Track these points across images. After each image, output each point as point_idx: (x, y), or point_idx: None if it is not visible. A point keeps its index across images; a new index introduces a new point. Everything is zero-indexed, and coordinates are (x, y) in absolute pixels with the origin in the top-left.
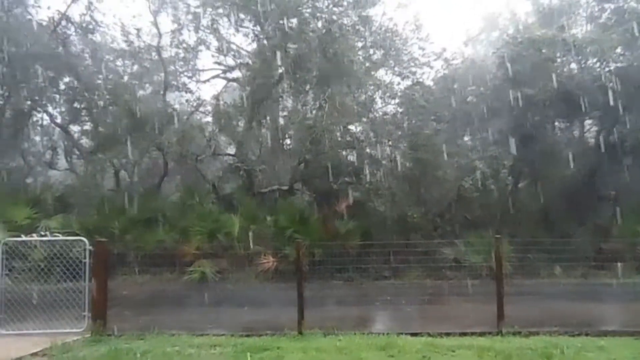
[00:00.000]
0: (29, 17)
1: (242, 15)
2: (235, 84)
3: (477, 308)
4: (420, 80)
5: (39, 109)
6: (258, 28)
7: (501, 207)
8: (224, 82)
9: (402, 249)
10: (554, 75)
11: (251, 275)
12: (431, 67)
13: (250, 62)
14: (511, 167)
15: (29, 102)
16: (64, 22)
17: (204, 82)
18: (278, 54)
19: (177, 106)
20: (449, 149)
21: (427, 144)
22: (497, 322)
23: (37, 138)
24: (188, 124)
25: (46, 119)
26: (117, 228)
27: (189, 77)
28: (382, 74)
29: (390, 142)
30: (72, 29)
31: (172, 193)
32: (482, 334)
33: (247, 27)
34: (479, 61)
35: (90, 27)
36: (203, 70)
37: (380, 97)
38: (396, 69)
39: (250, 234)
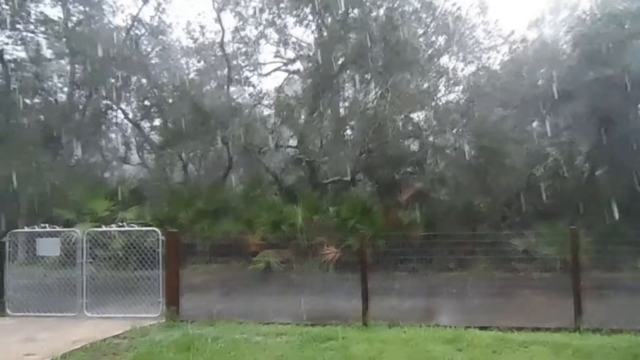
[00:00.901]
0: (107, 22)
1: (303, 7)
2: (296, 76)
3: (550, 302)
4: (486, 65)
5: (114, 107)
6: (319, 19)
7: (576, 196)
8: (285, 74)
9: (468, 240)
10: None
11: (314, 266)
12: (497, 51)
13: (310, 53)
14: (588, 153)
15: (105, 102)
16: (135, 24)
17: (266, 75)
18: (339, 44)
19: (240, 100)
20: (517, 135)
21: (493, 131)
22: (575, 318)
23: (112, 135)
24: (251, 117)
25: (120, 117)
26: (186, 219)
27: (251, 71)
28: (446, 61)
29: (454, 130)
30: (143, 30)
31: (237, 185)
32: (557, 330)
33: (308, 19)
34: (549, 42)
35: (160, 27)
36: (264, 64)
37: (444, 85)
38: (460, 54)
39: (313, 225)
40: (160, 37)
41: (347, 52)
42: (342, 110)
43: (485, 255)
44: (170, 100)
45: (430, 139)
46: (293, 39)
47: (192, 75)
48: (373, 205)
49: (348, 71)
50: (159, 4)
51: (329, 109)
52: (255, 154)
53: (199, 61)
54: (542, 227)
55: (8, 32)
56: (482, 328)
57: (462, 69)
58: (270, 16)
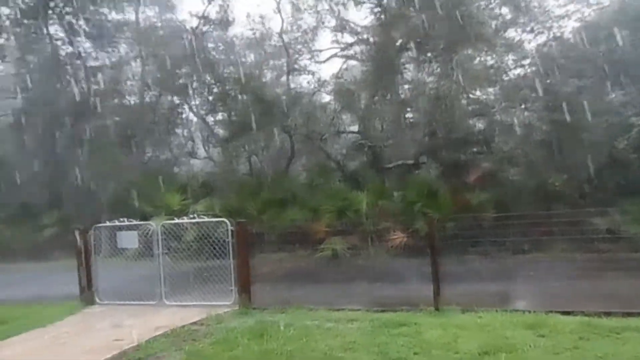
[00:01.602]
0: (175, 22)
1: None
2: (354, 61)
3: None
4: (558, 35)
5: (181, 104)
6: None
7: None
8: (343, 60)
9: (544, 220)
10: None
11: (381, 251)
12: (569, 18)
13: (369, 36)
14: None
15: (173, 99)
16: (201, 22)
17: (324, 62)
18: (399, 24)
19: (300, 88)
20: (595, 107)
21: (568, 104)
22: None
23: (180, 131)
24: (311, 105)
25: (187, 113)
26: (254, 209)
27: (309, 59)
28: (513, 34)
29: (523, 106)
30: (207, 26)
31: (300, 173)
32: None
33: (365, 1)
34: (631, 2)
35: (223, 23)
36: (321, 50)
37: (513, 59)
38: (529, 25)
39: (378, 210)
40: (223, 32)
41: (407, 32)
42: (403, 93)
43: (563, 236)
44: (233, 94)
45: (498, 116)
46: (351, 24)
47: (253, 67)
48: (439, 187)
49: (409, 52)
50: (224, 1)
51: (389, 91)
52: (317, 141)
53: (259, 53)
54: (628, 204)
55: (89, 39)
56: (565, 313)
57: (531, 41)
58: (328, 2)
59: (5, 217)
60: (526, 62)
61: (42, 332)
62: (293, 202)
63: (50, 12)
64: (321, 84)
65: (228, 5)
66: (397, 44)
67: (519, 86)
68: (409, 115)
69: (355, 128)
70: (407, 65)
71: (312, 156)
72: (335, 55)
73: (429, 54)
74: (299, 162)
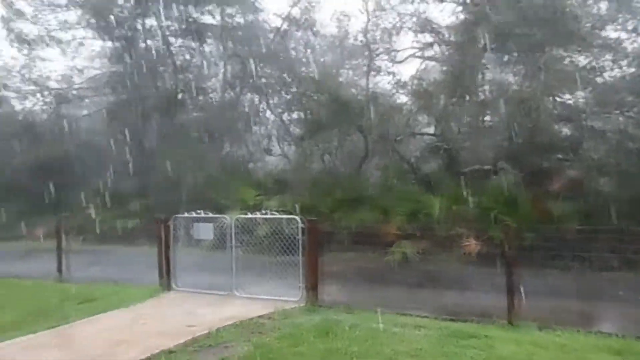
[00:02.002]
0: (259, 22)
1: None
2: (433, 62)
3: None
4: None
5: (260, 102)
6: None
7: None
8: (422, 60)
9: (637, 237)
10: None
11: (453, 258)
12: None
13: (449, 37)
14: None
15: (252, 97)
16: (282, 22)
17: (401, 61)
18: (482, 22)
19: (377, 88)
20: None
21: None
22: None
23: (257, 128)
24: (387, 105)
25: (265, 111)
26: (325, 207)
27: (388, 59)
28: (610, 32)
29: (619, 111)
30: (290, 26)
31: (373, 174)
32: None
33: (448, 1)
34: None
35: (304, 23)
36: (400, 50)
37: (610, 60)
38: (629, 23)
39: (451, 215)
40: (304, 32)
41: (491, 31)
42: (483, 94)
43: None
44: (310, 93)
45: (588, 121)
46: (432, 24)
47: (331, 67)
48: (518, 195)
49: (491, 52)
50: (309, 3)
51: (469, 93)
52: (392, 142)
53: (338, 52)
54: None
55: (178, 39)
56: None
57: (633, 41)
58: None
59: (98, 203)
60: (624, 62)
61: (124, 311)
62: (364, 202)
63: (144, 14)
64: (398, 84)
65: (313, 6)
66: (480, 43)
67: (615, 89)
68: (488, 117)
69: (431, 130)
70: (488, 66)
71: (385, 157)
72: (413, 55)
73: (514, 54)
74: (372, 162)
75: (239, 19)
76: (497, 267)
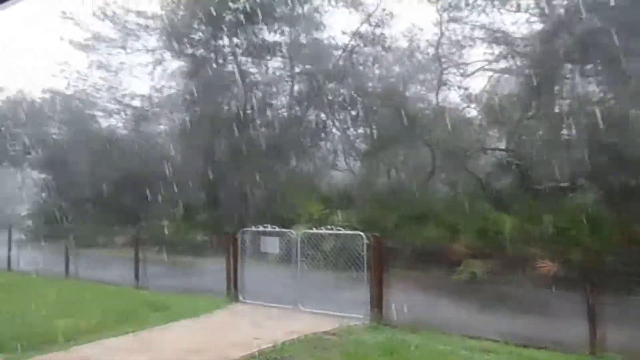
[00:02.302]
0: (326, 39)
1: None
2: (507, 75)
3: None
4: None
5: (326, 118)
6: (536, 10)
7: None
8: (493, 73)
9: None
10: None
11: (525, 280)
12: None
13: (524, 48)
14: None
15: (318, 113)
16: (350, 39)
17: (472, 74)
18: (562, 32)
19: (445, 102)
20: None
21: None
22: None
23: (323, 143)
24: (456, 120)
25: (331, 126)
26: (390, 223)
27: (458, 72)
28: None
29: None
30: (356, 41)
31: (440, 189)
32: None
33: (523, 12)
34: None
35: (375, 39)
36: (470, 63)
37: None
38: None
39: (524, 234)
40: (372, 47)
41: (571, 40)
42: (560, 107)
43: None
44: (375, 107)
45: None
46: (506, 35)
47: (397, 82)
48: (599, 214)
49: (570, 63)
50: (380, 20)
51: (545, 106)
52: (460, 157)
53: (404, 67)
54: None
55: (247, 58)
56: None
57: None
58: (482, 13)
59: (171, 215)
60: None
61: (194, 321)
62: (430, 218)
63: (216, 35)
64: (468, 98)
65: (382, 22)
66: (559, 54)
67: None
68: (565, 131)
69: (502, 145)
70: (568, 76)
71: (453, 173)
72: (483, 68)
73: (595, 65)
74: (439, 178)
75: (307, 37)
76: (576, 292)
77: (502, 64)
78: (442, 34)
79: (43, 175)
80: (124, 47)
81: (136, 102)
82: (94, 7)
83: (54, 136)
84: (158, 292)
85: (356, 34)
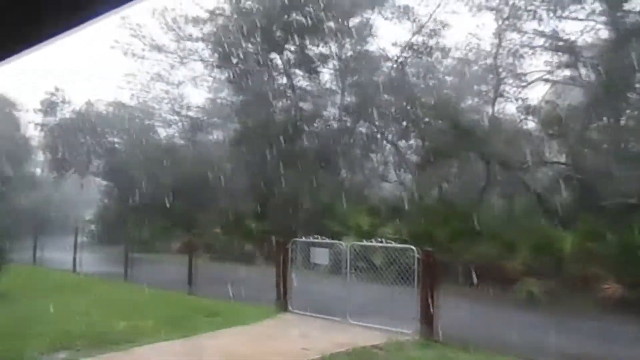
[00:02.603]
0: (377, 50)
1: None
2: (567, 85)
3: None
4: None
5: (376, 130)
6: (603, 17)
7: None
8: (552, 83)
9: None
10: None
11: (587, 302)
12: None
13: (589, 57)
14: None
15: (368, 124)
16: (402, 50)
17: (529, 84)
18: (633, 40)
19: (501, 114)
20: None
21: None
22: None
23: (373, 155)
24: (513, 132)
25: (380, 137)
26: (441, 237)
27: (515, 83)
28: None
29: None
30: (410, 54)
31: (495, 204)
32: None
33: (591, 18)
34: None
35: (427, 51)
36: (529, 73)
37: None
38: None
39: (586, 253)
40: (423, 58)
41: None
42: (626, 119)
43: None
44: (428, 119)
45: None
46: (569, 43)
47: (451, 93)
48: None
49: None
50: (433, 31)
51: (611, 117)
52: (517, 171)
53: (459, 78)
54: None
55: (298, 70)
56: None
57: None
58: (542, 21)
59: (223, 223)
60: None
61: (245, 328)
62: (484, 234)
63: (267, 48)
64: (527, 109)
65: (435, 33)
66: (629, 62)
67: None
68: (633, 145)
69: (563, 158)
70: (638, 86)
71: (509, 187)
72: (542, 78)
73: None
74: (494, 191)
75: (357, 49)
76: None
77: (564, 73)
78: (500, 43)
79: (105, 182)
80: (181, 60)
81: (192, 113)
82: (157, 19)
83: (116, 145)
84: (209, 298)
85: (408, 45)
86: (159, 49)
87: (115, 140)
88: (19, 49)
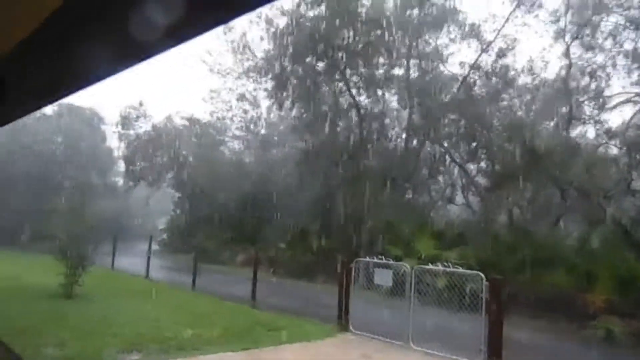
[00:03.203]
0: (444, 71)
1: None
2: None
3: None
4: None
5: (443, 151)
6: None
7: None
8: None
9: None
10: None
11: None
12: None
13: None
14: None
15: (435, 145)
16: (472, 70)
17: (613, 108)
18: None
19: (580, 138)
20: None
21: None
22: None
23: (440, 177)
24: (594, 157)
25: (448, 159)
26: (511, 265)
27: (596, 106)
28: None
29: None
30: (477, 75)
31: (571, 233)
32: None
33: None
34: None
35: (496, 71)
36: (611, 96)
37: None
38: None
39: None
40: (493, 79)
41: None
42: None
43: None
44: (499, 142)
45: None
46: None
47: (524, 115)
48: None
49: None
50: (501, 51)
51: None
52: (598, 198)
53: (534, 99)
54: None
55: (363, 90)
56: None
57: None
58: (624, 41)
59: (287, 239)
60: None
61: (306, 346)
62: (559, 264)
63: (332, 70)
64: (607, 133)
65: (504, 54)
66: None
67: None
68: None
69: None
70: None
71: (588, 215)
72: (628, 99)
73: None
74: (571, 220)
75: (424, 69)
76: None
77: None
78: (570, 64)
79: (178, 194)
80: (251, 76)
81: (260, 129)
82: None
83: (190, 159)
84: (272, 312)
85: (475, 66)
86: (236, 66)
87: (189, 153)
88: (121, 68)
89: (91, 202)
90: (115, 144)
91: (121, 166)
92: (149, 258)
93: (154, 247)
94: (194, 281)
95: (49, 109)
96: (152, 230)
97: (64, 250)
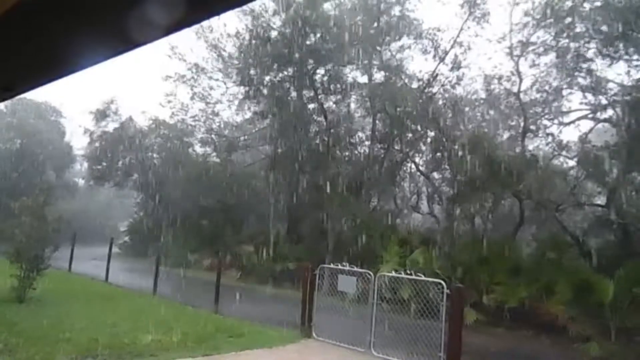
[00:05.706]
0: (405, 82)
1: (617, 44)
2: (607, 124)
3: None
4: None
5: (408, 159)
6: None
7: None
8: (591, 123)
9: None
10: None
11: (631, 354)
12: None
13: (626, 98)
14: None
15: (400, 154)
16: (430, 81)
17: (568, 124)
18: None
19: (536, 151)
20: None
21: None
22: None
23: (405, 185)
24: (548, 170)
25: (413, 168)
26: (472, 273)
27: (550, 120)
28: None
29: None
30: (437, 86)
31: (528, 243)
32: None
33: (625, 58)
34: None
35: (454, 83)
36: (567, 112)
37: None
38: None
39: (632, 302)
40: (452, 91)
41: None
42: None
43: None
44: (460, 153)
45: None
46: (605, 84)
47: (483, 127)
48: None
49: None
50: (456, 61)
51: None
52: (552, 211)
53: (491, 112)
54: None
55: (327, 96)
56: None
57: None
58: (577, 60)
59: (253, 244)
60: None
61: (268, 352)
62: (517, 274)
63: (298, 76)
64: (563, 148)
65: (460, 64)
66: None
67: None
68: None
69: (601, 200)
70: None
71: (544, 227)
72: (584, 117)
73: None
74: (528, 230)
75: (387, 76)
76: None
77: (604, 114)
78: (520, 79)
79: (141, 196)
80: (217, 79)
81: (227, 132)
82: (198, 39)
83: (155, 161)
84: (235, 318)
85: (433, 76)
86: (198, 68)
87: (154, 155)
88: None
89: (50, 201)
90: (76, 141)
91: (82, 164)
92: (108, 261)
93: (116, 250)
94: (155, 285)
95: (1, 105)
96: (113, 232)
97: (18, 252)
